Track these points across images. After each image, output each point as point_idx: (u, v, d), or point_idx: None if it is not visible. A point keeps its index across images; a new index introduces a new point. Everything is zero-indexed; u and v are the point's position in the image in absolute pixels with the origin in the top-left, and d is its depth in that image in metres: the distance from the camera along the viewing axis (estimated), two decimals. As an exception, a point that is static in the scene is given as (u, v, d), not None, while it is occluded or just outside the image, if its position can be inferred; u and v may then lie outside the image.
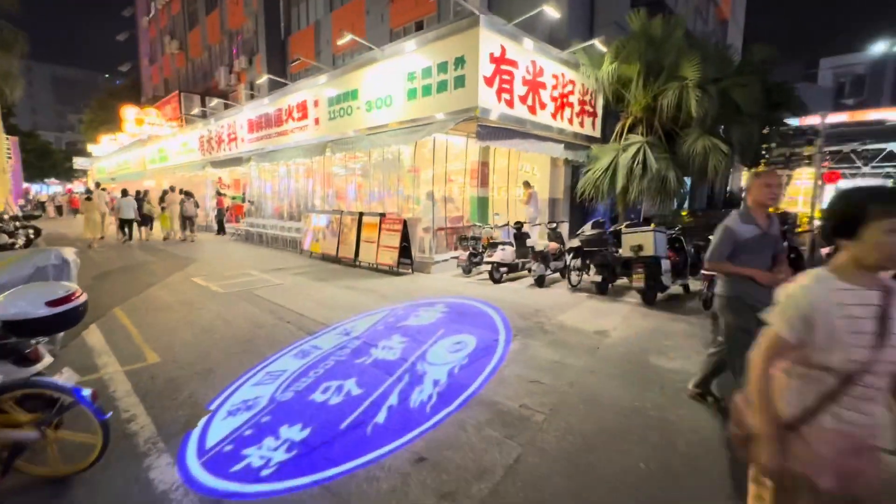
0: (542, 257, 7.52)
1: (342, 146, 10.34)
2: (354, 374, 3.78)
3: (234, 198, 20.52)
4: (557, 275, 7.99)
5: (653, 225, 6.40)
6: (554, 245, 7.79)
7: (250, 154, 14.61)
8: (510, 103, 8.20)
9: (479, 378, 3.73)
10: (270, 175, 15.51)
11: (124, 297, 6.49)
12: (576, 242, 7.33)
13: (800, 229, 20.89)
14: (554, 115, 9.43)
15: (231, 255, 11.27)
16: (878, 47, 41.81)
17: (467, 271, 8.38)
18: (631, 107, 9.89)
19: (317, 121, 11.36)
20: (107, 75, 69.56)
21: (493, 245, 7.85)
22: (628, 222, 8.40)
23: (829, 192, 34.08)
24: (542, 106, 9.03)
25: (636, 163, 8.96)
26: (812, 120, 15.79)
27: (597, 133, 11.14)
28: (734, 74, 9.49)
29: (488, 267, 8.00)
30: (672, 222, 12.05)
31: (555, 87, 9.31)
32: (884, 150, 37.01)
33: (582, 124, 10.47)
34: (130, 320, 5.36)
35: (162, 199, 15.03)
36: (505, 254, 7.78)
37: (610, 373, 3.93)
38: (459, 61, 7.64)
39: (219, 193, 17.08)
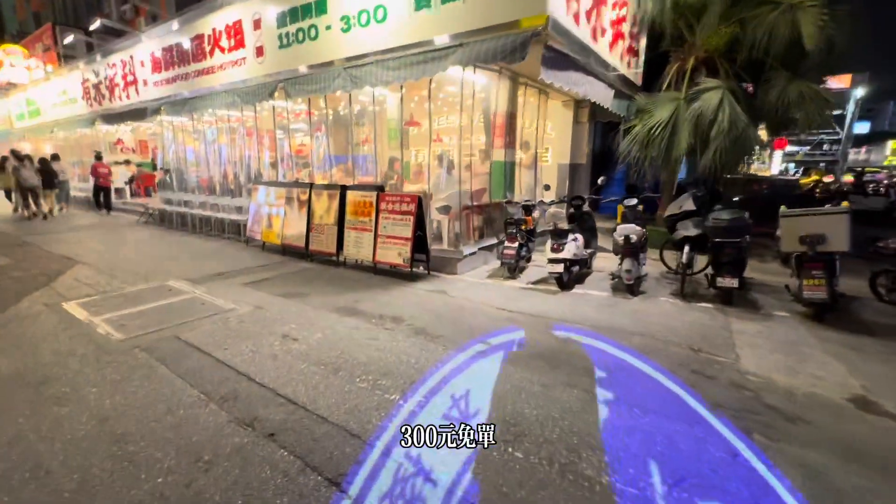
0: (633, 251, 5.12)
1: (303, 87, 7.04)
2: None
3: (139, 164, 15.99)
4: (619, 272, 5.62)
5: (847, 203, 4.17)
6: (641, 231, 5.39)
7: (159, 103, 10.55)
8: (577, 18, 5.46)
9: None
10: (192, 132, 11.52)
11: None
12: (690, 230, 4.99)
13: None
14: (611, 48, 6.85)
15: (139, 250, 7.69)
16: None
17: (512, 270, 5.80)
18: (697, 43, 7.58)
19: (259, 50, 7.82)
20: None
21: (557, 234, 5.28)
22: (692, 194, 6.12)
23: (778, 157, 35.09)
24: (602, 31, 6.40)
25: (721, 115, 6.70)
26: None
27: (638, 80, 8.77)
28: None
29: (533, 263, 5.48)
30: (711, 192, 10.22)
31: (613, 7, 6.68)
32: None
33: (629, 65, 8.02)
34: None
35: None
36: (578, 247, 5.29)
37: None
38: (512, -61, 4.72)
39: (97, 158, 12.80)
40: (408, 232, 5.55)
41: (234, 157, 10.38)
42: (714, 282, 4.77)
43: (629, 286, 5.08)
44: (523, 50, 4.61)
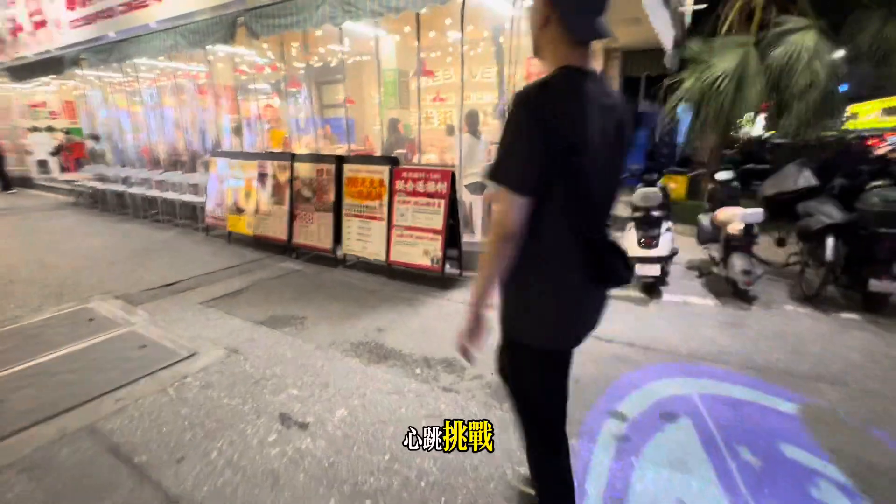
0: (745, 246, 3.79)
1: (274, 21, 5.14)
2: None
3: (68, 131, 13.32)
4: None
5: None
6: (735, 215, 4.00)
7: (77, 50, 8.22)
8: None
9: None
10: (127, 90, 9.24)
11: None
12: (835, 215, 3.67)
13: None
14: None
15: (56, 247, 5.75)
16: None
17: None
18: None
19: (208, -28, 5.76)
20: None
21: (647, 222, 3.88)
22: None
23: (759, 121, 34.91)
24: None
25: (817, 63, 5.36)
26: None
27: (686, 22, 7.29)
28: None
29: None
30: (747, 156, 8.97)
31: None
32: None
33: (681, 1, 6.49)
34: None
35: None
36: (673, 239, 3.93)
37: None
38: None
39: None
40: (439, 222, 4.00)
41: (185, 122, 8.32)
42: (863, 284, 3.54)
43: (740, 293, 3.80)
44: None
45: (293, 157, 5.00)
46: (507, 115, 1.05)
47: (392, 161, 4.33)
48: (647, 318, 3.52)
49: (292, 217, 5.02)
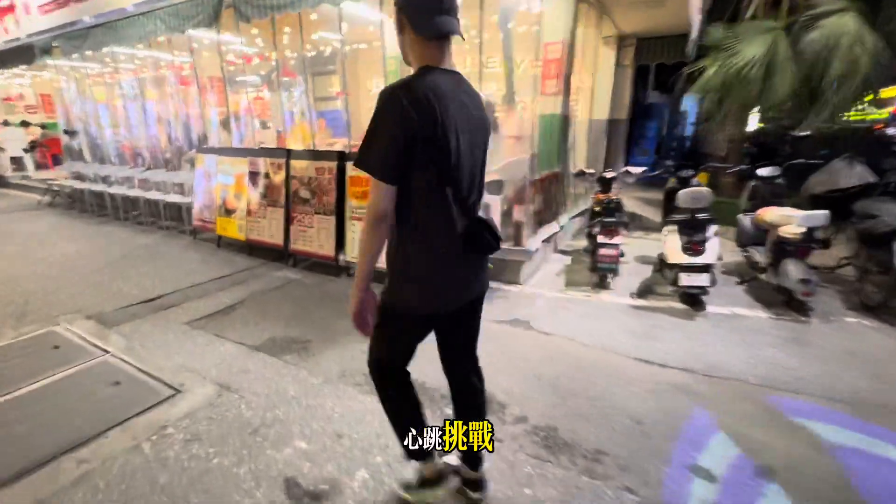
0: (802, 252, 3.37)
1: (264, 3, 4.61)
2: None
3: (45, 126, 12.61)
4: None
5: None
6: (790, 216, 3.58)
7: (49, 37, 7.58)
8: None
9: None
10: (105, 82, 8.60)
11: None
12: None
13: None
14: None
15: (26, 255, 5.19)
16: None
17: (606, 277, 3.95)
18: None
19: (190, -53, 5.19)
20: None
21: (692, 226, 3.46)
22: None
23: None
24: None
25: (858, 49, 4.96)
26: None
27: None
28: None
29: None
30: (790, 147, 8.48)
31: None
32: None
33: (707, -15, 6.05)
34: None
35: None
36: (719, 243, 3.52)
37: None
38: None
39: None
40: (456, 227, 3.54)
41: (168, 116, 7.71)
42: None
43: (801, 302, 3.40)
44: None
45: (289, 154, 4.50)
46: (374, 110, 1.16)
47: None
48: (697, 336, 3.10)
49: (289, 220, 4.52)
